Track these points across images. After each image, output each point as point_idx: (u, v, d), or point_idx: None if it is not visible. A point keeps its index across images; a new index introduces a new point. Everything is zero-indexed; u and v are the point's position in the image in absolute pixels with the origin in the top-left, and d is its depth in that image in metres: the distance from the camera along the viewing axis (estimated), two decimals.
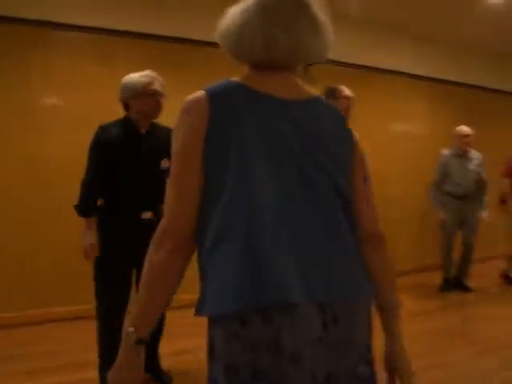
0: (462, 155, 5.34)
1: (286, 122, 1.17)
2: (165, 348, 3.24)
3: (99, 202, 2.82)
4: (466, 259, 5.41)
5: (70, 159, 4.25)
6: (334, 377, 1.08)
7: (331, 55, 1.29)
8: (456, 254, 5.47)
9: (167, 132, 2.74)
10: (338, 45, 1.33)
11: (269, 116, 1.16)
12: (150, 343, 3.05)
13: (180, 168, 1.14)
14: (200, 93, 1.18)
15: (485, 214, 5.37)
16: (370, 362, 1.17)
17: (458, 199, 5.31)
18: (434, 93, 6.74)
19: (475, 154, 5.43)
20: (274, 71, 1.24)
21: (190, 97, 1.19)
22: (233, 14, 1.23)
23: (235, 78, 1.22)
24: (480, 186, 5.37)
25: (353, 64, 5.84)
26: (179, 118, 1.19)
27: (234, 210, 1.07)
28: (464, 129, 5.34)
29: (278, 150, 1.14)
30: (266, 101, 1.18)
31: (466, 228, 5.37)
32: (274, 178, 1.11)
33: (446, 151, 5.43)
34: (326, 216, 1.14)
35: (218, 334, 1.06)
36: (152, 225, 2.70)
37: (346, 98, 3.50)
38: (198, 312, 1.09)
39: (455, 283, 5.49)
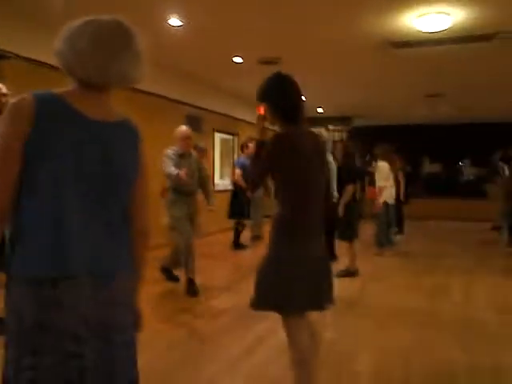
0: (185, 154, 5.35)
1: (93, 141, 1.47)
2: None
3: None
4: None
5: None
6: (104, 324, 1.51)
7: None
8: None
9: None
10: None
11: (81, 133, 1.45)
12: None
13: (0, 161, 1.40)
14: (28, 96, 1.41)
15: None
16: (135, 323, 1.66)
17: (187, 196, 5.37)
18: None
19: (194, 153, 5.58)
20: (95, 92, 1.52)
21: (20, 97, 1.42)
22: (68, 38, 1.47)
23: (60, 91, 1.48)
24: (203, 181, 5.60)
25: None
26: (5, 114, 1.41)
27: (44, 208, 1.42)
28: (184, 129, 5.39)
29: (84, 166, 1.46)
30: (80, 119, 1.46)
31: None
32: (76, 191, 1.44)
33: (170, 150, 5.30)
34: (109, 222, 1.54)
35: (18, 290, 1.42)
36: None
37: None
38: (5, 270, 1.45)
39: None
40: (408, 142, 15.58)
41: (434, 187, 15.56)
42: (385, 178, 7.50)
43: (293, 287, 2.31)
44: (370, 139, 13.57)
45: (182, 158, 5.29)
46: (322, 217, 2.45)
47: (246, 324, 4.25)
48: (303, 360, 2.37)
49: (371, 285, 5.92)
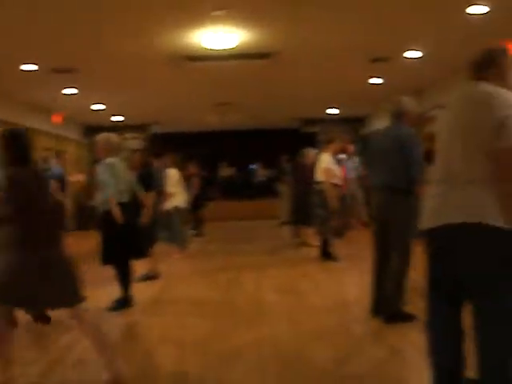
0: None
1: None
2: None
3: None
4: None
5: None
6: None
7: None
8: None
9: None
10: None
11: None
12: None
13: None
14: None
15: None
16: None
17: None
18: None
19: None
20: None
21: None
22: None
23: None
24: None
25: None
26: None
27: None
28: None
29: None
30: None
31: None
32: None
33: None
34: None
35: None
36: None
37: None
38: None
39: None
40: (204, 147, 16.45)
41: (230, 190, 16.62)
42: (173, 185, 7.88)
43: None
44: (168, 146, 14.02)
45: None
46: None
47: None
48: None
49: (171, 285, 6.29)
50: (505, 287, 2.24)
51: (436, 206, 2.42)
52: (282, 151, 13.65)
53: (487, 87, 2.40)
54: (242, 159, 17.69)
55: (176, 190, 7.91)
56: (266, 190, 15.86)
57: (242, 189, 16.76)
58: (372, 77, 9.74)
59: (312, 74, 9.19)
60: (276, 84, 9.96)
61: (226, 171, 17.42)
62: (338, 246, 7.68)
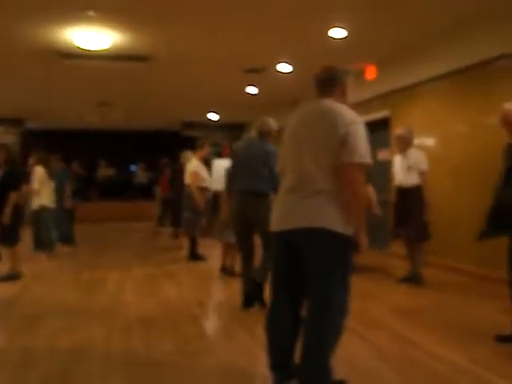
0: None
1: None
2: None
3: None
4: None
5: None
6: None
7: None
8: None
9: None
10: None
11: None
12: None
13: None
14: None
15: None
16: None
17: None
18: None
19: None
20: None
21: None
22: None
23: None
24: None
25: None
26: None
27: None
28: None
29: None
30: None
31: None
32: None
33: None
34: None
35: None
36: None
37: None
38: None
39: None
40: (84, 146, 16.04)
41: (109, 190, 16.34)
42: (40, 182, 7.69)
43: None
44: (47, 142, 13.54)
45: None
46: None
47: None
48: None
49: (33, 285, 6.16)
50: (334, 282, 2.60)
51: (286, 211, 2.72)
52: (163, 153, 13.72)
53: (331, 104, 2.69)
54: (122, 160, 17.46)
55: (42, 189, 7.72)
56: (146, 192, 15.85)
57: (122, 190, 16.55)
58: (248, 86, 10.15)
59: (188, 79, 9.40)
60: (154, 86, 10.03)
61: (105, 171, 17.08)
62: (207, 246, 7.97)
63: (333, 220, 2.55)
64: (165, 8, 5.79)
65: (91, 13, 5.79)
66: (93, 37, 6.54)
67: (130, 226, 13.51)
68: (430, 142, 7.22)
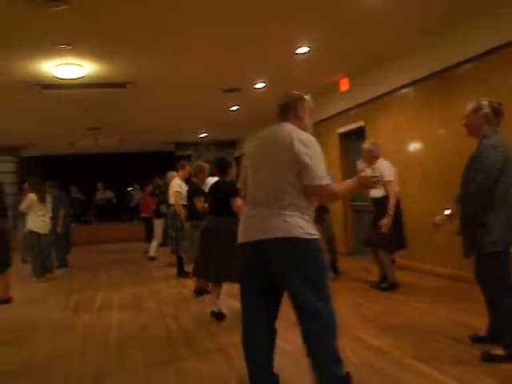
0: None
1: None
2: None
3: None
4: None
5: None
6: None
7: None
8: None
9: None
10: None
11: None
12: None
13: None
14: None
15: None
16: None
17: None
18: None
19: None
20: None
21: None
22: None
23: None
24: None
25: None
26: None
27: None
28: None
29: None
30: None
31: None
32: None
33: None
34: None
35: None
36: None
37: None
38: None
39: None
40: (81, 171, 16.35)
41: (108, 212, 16.59)
42: (28, 206, 8.03)
43: None
44: (44, 169, 13.94)
45: None
46: None
47: None
48: None
49: (20, 307, 6.43)
50: (316, 286, 2.75)
51: (255, 223, 2.86)
52: (159, 174, 13.93)
53: (289, 128, 2.86)
54: (120, 182, 17.71)
55: (31, 214, 8.02)
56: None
57: (119, 211, 16.77)
58: (231, 105, 10.47)
59: (171, 101, 9.75)
60: (138, 110, 10.38)
61: (103, 194, 17.32)
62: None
63: (299, 229, 2.73)
64: (137, 36, 6.08)
65: (64, 46, 6.11)
66: (68, 67, 6.87)
67: (126, 246, 13.74)
68: (401, 149, 7.45)
